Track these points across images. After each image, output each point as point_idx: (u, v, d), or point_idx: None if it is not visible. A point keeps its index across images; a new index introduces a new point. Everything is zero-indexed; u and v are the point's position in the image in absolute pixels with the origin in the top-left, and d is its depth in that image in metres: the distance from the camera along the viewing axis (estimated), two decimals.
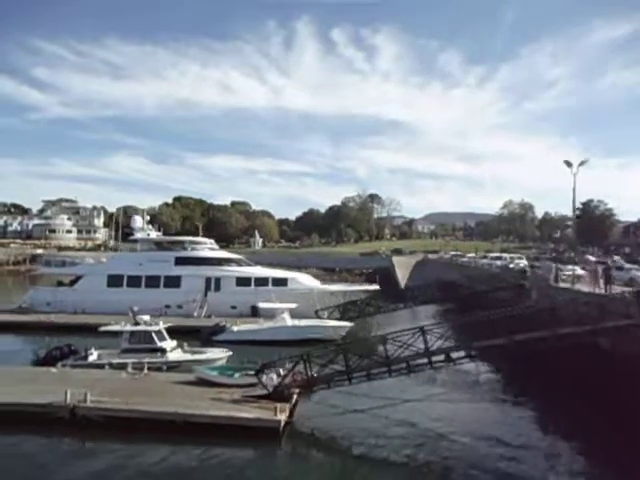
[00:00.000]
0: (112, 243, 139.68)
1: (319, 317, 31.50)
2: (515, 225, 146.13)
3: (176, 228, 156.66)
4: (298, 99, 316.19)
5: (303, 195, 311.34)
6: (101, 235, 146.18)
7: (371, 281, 53.44)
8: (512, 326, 15.20)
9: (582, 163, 24.54)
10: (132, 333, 19.69)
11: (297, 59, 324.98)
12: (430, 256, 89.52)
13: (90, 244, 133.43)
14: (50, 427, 14.35)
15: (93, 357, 20.10)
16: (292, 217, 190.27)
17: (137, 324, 20.14)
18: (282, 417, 13.75)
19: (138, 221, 39.47)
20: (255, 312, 34.16)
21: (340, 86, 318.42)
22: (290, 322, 27.80)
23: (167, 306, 34.46)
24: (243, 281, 35.40)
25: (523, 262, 45.86)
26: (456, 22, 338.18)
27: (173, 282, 35.26)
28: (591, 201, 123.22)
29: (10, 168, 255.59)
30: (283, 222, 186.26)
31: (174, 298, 34.66)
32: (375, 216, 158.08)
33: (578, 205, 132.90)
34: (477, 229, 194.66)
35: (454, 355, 15.19)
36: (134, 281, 35.42)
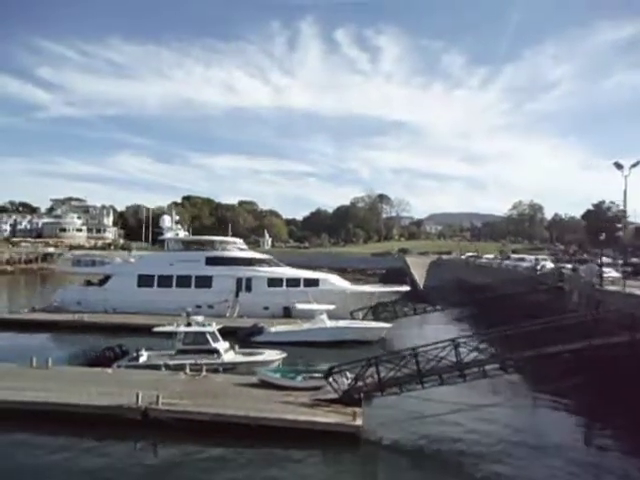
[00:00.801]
0: (122, 242, 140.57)
1: (354, 318, 31.34)
2: (524, 226, 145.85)
3: (186, 228, 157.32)
4: (301, 99, 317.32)
5: (306, 195, 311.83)
6: (111, 234, 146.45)
7: (384, 281, 53.40)
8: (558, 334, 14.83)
9: (635, 164, 24.19)
10: (186, 334, 19.53)
11: (301, 59, 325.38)
12: (444, 257, 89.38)
13: (100, 243, 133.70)
14: (122, 429, 14.21)
15: (143, 358, 19.97)
16: (295, 217, 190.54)
17: (190, 325, 19.98)
18: (360, 422, 13.58)
19: (167, 221, 39.39)
20: (288, 313, 34.07)
21: (343, 86, 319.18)
22: (329, 323, 27.64)
23: (198, 306, 34.07)
24: (275, 282, 35.26)
25: (548, 264, 45.58)
26: (460, 23, 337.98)
27: (204, 282, 35.14)
28: (602, 202, 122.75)
29: (15, 167, 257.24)
30: (290, 222, 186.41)
31: (205, 298, 34.49)
32: (384, 216, 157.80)
33: (589, 207, 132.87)
34: (484, 230, 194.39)
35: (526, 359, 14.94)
36: (165, 281, 35.35)
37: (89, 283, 38.28)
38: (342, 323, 28.21)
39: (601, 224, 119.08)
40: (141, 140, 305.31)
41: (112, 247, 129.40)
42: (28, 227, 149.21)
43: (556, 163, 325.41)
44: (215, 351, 19.36)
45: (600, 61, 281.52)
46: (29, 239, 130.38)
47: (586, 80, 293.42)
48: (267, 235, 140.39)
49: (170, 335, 20.75)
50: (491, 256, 73.49)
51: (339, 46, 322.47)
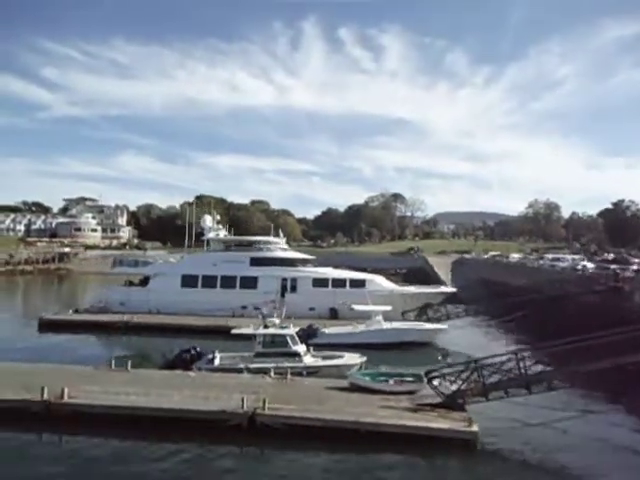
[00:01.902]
0: (136, 241, 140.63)
1: (406, 319, 30.92)
2: (540, 225, 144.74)
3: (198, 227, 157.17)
4: (304, 98, 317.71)
5: (309, 194, 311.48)
6: (125, 234, 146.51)
7: (407, 281, 52.81)
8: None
9: None
10: (266, 337, 19.16)
11: (303, 59, 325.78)
12: (466, 256, 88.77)
13: (115, 242, 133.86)
14: (226, 434, 13.87)
15: (217, 360, 19.65)
16: (305, 216, 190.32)
17: (266, 327, 19.62)
18: (476, 428, 13.19)
19: (208, 221, 39.09)
20: (334, 314, 33.70)
21: (346, 85, 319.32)
22: (386, 325, 27.22)
23: (244, 307, 34.06)
24: (320, 282, 34.88)
25: (586, 263, 45.01)
26: (463, 22, 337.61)
27: (249, 283, 34.80)
28: (622, 201, 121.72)
29: (18, 167, 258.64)
30: (301, 221, 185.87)
31: (251, 299, 34.11)
32: (397, 215, 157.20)
33: (608, 205, 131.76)
34: (497, 229, 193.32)
35: None
36: (209, 281, 35.04)
37: (130, 284, 38.03)
38: (399, 324, 27.81)
39: (621, 223, 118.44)
40: (144, 140, 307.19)
41: (127, 247, 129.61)
42: (42, 227, 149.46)
43: (560, 162, 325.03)
44: (296, 354, 18.98)
45: (605, 59, 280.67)
46: (44, 239, 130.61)
47: (591, 78, 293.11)
48: (281, 234, 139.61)
49: (229, 335, 20.05)
50: (517, 255, 72.88)
51: (342, 45, 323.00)
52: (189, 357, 19.26)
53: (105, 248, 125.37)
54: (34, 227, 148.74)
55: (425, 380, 16.11)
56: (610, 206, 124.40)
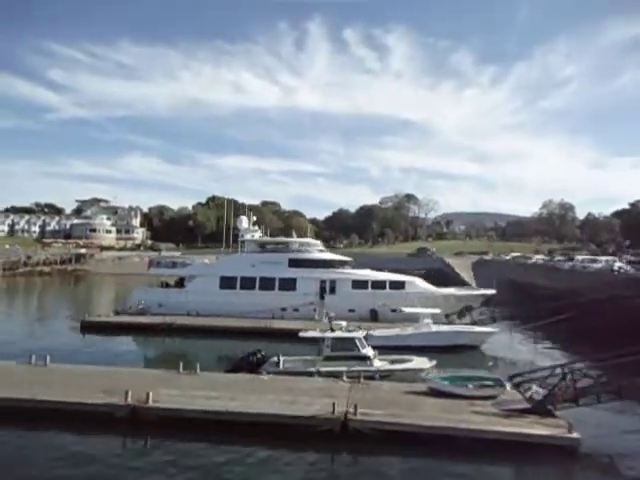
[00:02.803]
0: (150, 242, 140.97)
1: (450, 322, 30.60)
2: (554, 225, 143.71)
3: (212, 228, 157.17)
4: (310, 99, 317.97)
5: (315, 195, 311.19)
6: (139, 235, 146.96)
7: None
8: None
9: None
10: (335, 340, 18.91)
11: (308, 59, 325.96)
12: (485, 257, 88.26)
13: (130, 244, 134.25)
14: (315, 439, 13.64)
15: (282, 364, 19.42)
16: (308, 217, 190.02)
17: (333, 330, 19.37)
18: (578, 435, 12.89)
19: (244, 222, 38.97)
20: (374, 316, 33.47)
21: (352, 86, 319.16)
22: (436, 327, 26.91)
23: (283, 309, 33.99)
24: (359, 284, 34.66)
25: (622, 264, 44.47)
26: (468, 21, 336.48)
27: (288, 284, 34.65)
28: (639, 201, 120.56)
29: (26, 168, 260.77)
30: (311, 222, 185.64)
31: (290, 301, 34.10)
32: (410, 215, 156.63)
33: (625, 206, 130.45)
34: (509, 229, 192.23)
35: None
36: (247, 283, 34.91)
37: (166, 285, 37.96)
38: (450, 327, 27.51)
39: (639, 223, 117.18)
40: (150, 141, 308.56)
41: (141, 248, 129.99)
42: (57, 228, 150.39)
43: (566, 161, 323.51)
44: (365, 357, 18.71)
45: (611, 59, 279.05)
46: (60, 240, 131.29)
47: (597, 78, 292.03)
48: (295, 235, 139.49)
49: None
50: (538, 257, 72.31)
51: (347, 45, 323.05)
52: (255, 360, 19.04)
53: (120, 249, 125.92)
54: (48, 228, 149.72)
55: (507, 385, 15.82)
56: (627, 206, 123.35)
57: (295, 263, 35.38)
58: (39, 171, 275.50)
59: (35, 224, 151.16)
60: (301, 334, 19.96)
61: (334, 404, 13.82)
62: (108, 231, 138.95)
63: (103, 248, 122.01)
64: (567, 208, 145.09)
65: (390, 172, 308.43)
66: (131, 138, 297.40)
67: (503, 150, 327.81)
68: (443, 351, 25.03)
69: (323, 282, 34.85)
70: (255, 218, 41.54)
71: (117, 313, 34.34)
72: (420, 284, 35.22)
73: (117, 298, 59.59)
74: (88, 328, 31.34)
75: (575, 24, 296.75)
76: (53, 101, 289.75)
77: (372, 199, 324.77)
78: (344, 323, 20.13)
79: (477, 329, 27.59)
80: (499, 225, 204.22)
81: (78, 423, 14.45)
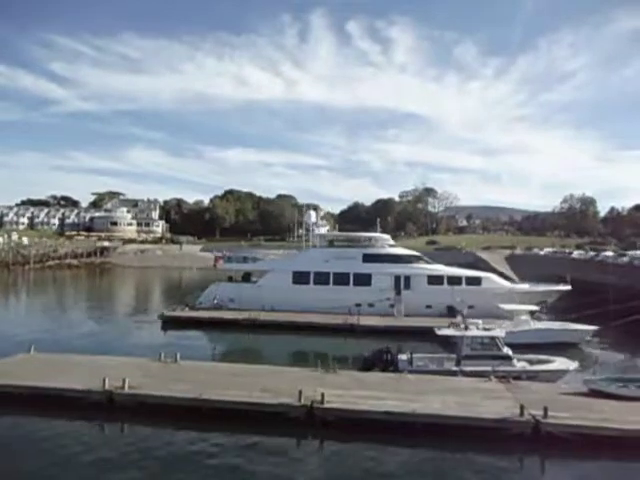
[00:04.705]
0: (169, 235, 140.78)
1: (536, 319, 30.17)
2: (576, 220, 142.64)
3: (230, 222, 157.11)
4: (313, 92, 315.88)
5: (318, 188, 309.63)
6: (158, 227, 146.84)
7: None
8: None
9: None
10: (475, 338, 18.54)
11: (312, 52, 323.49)
12: (517, 252, 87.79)
13: (151, 237, 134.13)
14: (501, 441, 13.31)
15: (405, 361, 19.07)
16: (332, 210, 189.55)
17: (467, 328, 18.98)
18: None
19: (313, 216, 38.64)
20: (452, 312, 33.01)
21: (355, 79, 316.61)
22: (536, 325, 26.52)
23: (358, 305, 33.55)
24: (435, 279, 34.23)
25: None
26: (472, 13, 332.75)
27: (363, 280, 34.27)
28: None
29: (30, 160, 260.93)
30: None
31: (365, 296, 33.72)
32: (429, 209, 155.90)
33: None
34: (524, 223, 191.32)
35: None
36: (321, 278, 34.56)
37: (230, 279, 37.69)
38: (550, 325, 27.11)
39: None
40: (154, 134, 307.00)
41: (163, 241, 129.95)
42: (76, 221, 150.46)
43: (572, 155, 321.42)
44: (507, 357, 18.34)
45: (617, 51, 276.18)
46: (83, 233, 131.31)
47: (603, 70, 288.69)
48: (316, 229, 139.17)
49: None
50: (579, 251, 71.61)
51: (351, 38, 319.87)
52: (390, 358, 18.71)
53: (142, 242, 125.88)
54: (68, 221, 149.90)
55: None
56: None
57: (369, 258, 34.98)
58: (47, 164, 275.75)
59: (54, 217, 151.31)
60: (438, 332, 19.57)
61: (522, 407, 13.49)
62: (129, 224, 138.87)
63: (125, 241, 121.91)
64: (588, 202, 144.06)
65: (395, 165, 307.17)
66: (135, 131, 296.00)
67: (509, 143, 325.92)
68: (544, 348, 24.73)
69: (397, 277, 34.47)
70: (321, 213, 41.06)
71: (192, 308, 34.02)
72: (496, 280, 34.84)
73: (167, 291, 59.61)
74: (169, 322, 31.18)
75: (580, 16, 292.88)
76: (58, 94, 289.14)
77: (377, 192, 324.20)
78: (479, 322, 19.74)
79: (579, 326, 27.01)
80: (514, 219, 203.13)
81: (253, 422, 14.26)
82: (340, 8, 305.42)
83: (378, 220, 47.27)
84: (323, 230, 39.01)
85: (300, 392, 14.28)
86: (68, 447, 12.86)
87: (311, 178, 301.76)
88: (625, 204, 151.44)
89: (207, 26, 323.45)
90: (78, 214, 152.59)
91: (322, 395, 14.15)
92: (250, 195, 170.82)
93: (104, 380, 14.97)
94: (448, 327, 19.56)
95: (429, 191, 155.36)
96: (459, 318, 20.23)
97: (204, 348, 26.56)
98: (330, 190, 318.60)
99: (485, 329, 19.03)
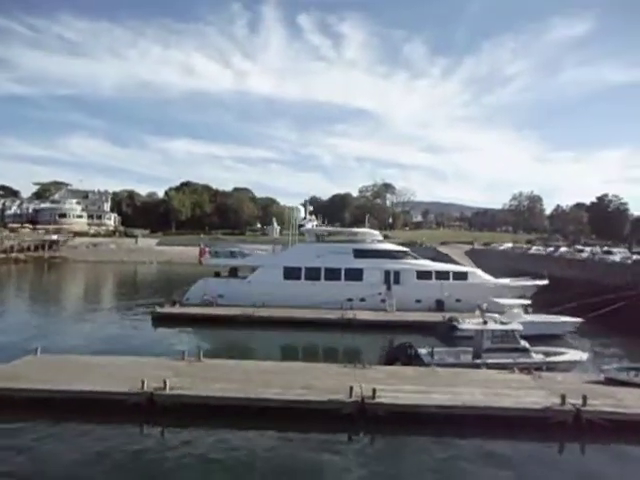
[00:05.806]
0: (122, 228, 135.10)
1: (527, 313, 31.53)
2: (524, 217, 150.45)
3: (186, 215, 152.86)
4: (263, 84, 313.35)
5: (271, 182, 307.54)
6: (110, 220, 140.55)
7: None
8: None
9: None
10: (495, 332, 19.19)
11: (262, 43, 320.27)
12: (476, 247, 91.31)
13: (103, 230, 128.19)
14: (544, 431, 13.99)
15: (427, 354, 19.54)
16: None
17: (485, 322, 19.63)
18: None
19: (302, 211, 38.35)
20: (440, 306, 34.04)
21: (306, 72, 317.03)
22: (528, 317, 27.72)
23: (349, 299, 33.91)
24: (424, 274, 35.08)
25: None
26: (421, 12, 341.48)
27: (355, 275, 34.56)
28: (605, 196, 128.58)
29: None
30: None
31: (357, 291, 34.11)
32: (387, 205, 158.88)
33: (593, 199, 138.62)
34: (474, 220, 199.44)
35: None
36: (313, 273, 34.52)
37: (216, 275, 36.90)
38: (540, 317, 28.41)
39: (605, 216, 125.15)
40: (95, 122, 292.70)
41: (116, 234, 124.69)
42: (18, 212, 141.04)
43: (512, 154, 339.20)
44: (525, 350, 19.15)
45: (554, 57, 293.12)
46: (27, 225, 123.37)
47: (541, 74, 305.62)
48: (275, 223, 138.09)
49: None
50: (534, 247, 75.48)
51: (302, 31, 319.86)
52: (413, 352, 19.04)
53: (94, 235, 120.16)
54: (8, 212, 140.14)
55: None
56: (595, 200, 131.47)
57: (361, 253, 35.30)
58: None
59: None
60: (460, 326, 20.10)
61: (564, 397, 14.19)
62: (79, 216, 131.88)
63: (76, 234, 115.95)
64: (536, 200, 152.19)
65: (344, 160, 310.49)
66: (74, 118, 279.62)
67: (454, 141, 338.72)
68: (533, 340, 26.01)
69: (388, 272, 35.03)
70: (310, 208, 40.79)
71: (179, 304, 32.98)
72: (481, 275, 36.17)
73: (133, 286, 57.24)
74: (160, 320, 30.14)
75: (521, 21, 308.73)
76: None
77: (329, 188, 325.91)
78: (497, 315, 20.44)
79: (566, 319, 28.60)
80: (465, 215, 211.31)
81: (301, 419, 14.15)
82: (292, 1, 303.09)
83: (367, 216, 47.56)
84: (309, 225, 38.64)
85: (351, 388, 14.30)
86: (111, 453, 12.30)
87: (262, 171, 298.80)
88: (561, 202, 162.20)
89: (151, 11, 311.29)
90: (20, 205, 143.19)
91: (373, 390, 14.25)
92: (207, 188, 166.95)
93: (143, 382, 14.32)
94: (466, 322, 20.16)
95: (387, 187, 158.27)
96: (477, 312, 20.87)
97: (203, 345, 25.76)
98: (285, 184, 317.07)
99: (502, 323, 19.77)
